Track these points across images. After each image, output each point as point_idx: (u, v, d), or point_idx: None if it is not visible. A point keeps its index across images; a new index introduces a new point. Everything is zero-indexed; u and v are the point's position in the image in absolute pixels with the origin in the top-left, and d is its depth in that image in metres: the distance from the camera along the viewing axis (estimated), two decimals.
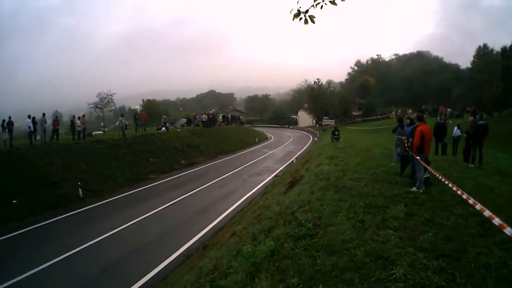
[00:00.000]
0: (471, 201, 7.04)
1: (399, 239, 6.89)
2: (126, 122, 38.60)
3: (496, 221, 5.67)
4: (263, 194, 20.78)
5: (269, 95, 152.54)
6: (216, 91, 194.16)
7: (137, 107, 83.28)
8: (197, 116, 57.09)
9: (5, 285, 11.81)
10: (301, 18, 6.05)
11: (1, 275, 12.39)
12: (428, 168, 10.77)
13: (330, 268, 6.02)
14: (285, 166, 32.31)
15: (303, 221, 8.57)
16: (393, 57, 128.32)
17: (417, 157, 10.88)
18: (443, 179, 9.46)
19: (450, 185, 8.72)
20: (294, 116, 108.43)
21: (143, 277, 11.80)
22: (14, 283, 11.95)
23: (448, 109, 51.47)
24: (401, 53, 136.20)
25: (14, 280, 12.09)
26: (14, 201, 20.19)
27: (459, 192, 7.94)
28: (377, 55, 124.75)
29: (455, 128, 22.39)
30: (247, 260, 7.26)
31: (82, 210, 20.69)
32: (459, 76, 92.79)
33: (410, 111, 51.12)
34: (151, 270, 12.29)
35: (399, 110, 58.11)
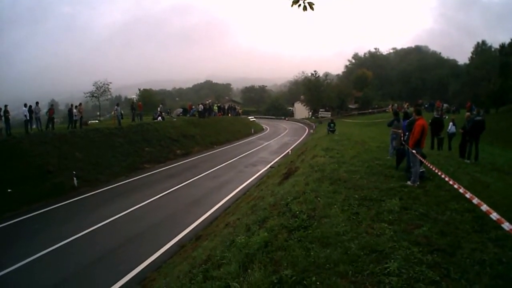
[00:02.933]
0: (468, 195, 7.00)
1: (393, 232, 6.87)
2: (122, 111, 38.43)
3: (494, 215, 5.62)
4: (258, 185, 20.80)
5: (266, 86, 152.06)
6: (213, 82, 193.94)
7: (134, 96, 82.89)
8: (193, 106, 56.77)
9: None
10: (300, 5, 5.99)
11: None
12: (424, 162, 10.75)
13: (324, 260, 5.99)
14: (281, 158, 32.41)
15: (297, 212, 8.53)
16: (391, 51, 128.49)
17: (413, 151, 10.84)
18: (439, 173, 9.42)
19: (446, 179, 8.70)
20: (290, 108, 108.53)
21: (137, 267, 11.83)
22: (8, 273, 11.97)
23: (445, 105, 51.72)
24: (399, 47, 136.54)
25: (8, 269, 12.11)
26: (9, 190, 20.11)
27: (455, 186, 7.93)
28: (375, 49, 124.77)
29: (450, 124, 22.42)
30: (241, 251, 7.22)
31: (77, 199, 20.64)
32: (457, 71, 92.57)
33: (406, 105, 51.08)
34: (145, 260, 12.32)
35: (396, 104, 58.07)
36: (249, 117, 78.90)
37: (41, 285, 11.17)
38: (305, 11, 5.97)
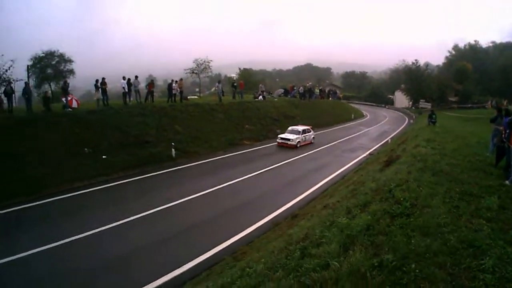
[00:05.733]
0: None
1: (491, 230, 7.03)
2: (223, 89, 39.92)
3: None
4: (357, 171, 21.23)
5: (366, 72, 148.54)
6: (313, 65, 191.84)
7: (233, 75, 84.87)
8: (294, 88, 57.75)
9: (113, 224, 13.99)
10: None
11: (107, 219, 14.42)
12: None
13: (424, 249, 6.33)
14: (380, 145, 32.50)
15: (401, 199, 8.85)
16: (490, 44, 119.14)
17: None
18: None
19: None
20: (390, 96, 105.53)
21: (229, 239, 13.03)
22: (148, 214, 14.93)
23: None
24: (498, 40, 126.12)
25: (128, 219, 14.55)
26: (103, 157, 22.29)
27: None
28: (475, 41, 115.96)
29: None
30: (342, 231, 7.72)
31: (174, 169, 22.60)
32: None
33: (506, 102, 48.02)
34: (238, 233, 13.50)
35: (494, 100, 54.68)
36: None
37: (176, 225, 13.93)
38: None
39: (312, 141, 33.71)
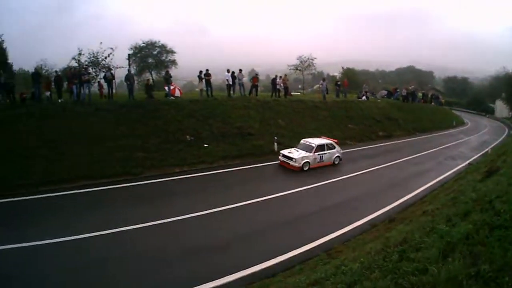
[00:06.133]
0: None
1: None
2: (328, 86, 40.35)
3: None
4: (457, 179, 20.69)
5: (468, 78, 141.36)
6: (416, 67, 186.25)
7: (336, 74, 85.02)
8: (397, 90, 56.95)
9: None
10: None
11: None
12: None
13: None
14: (480, 155, 31.04)
15: (501, 211, 8.63)
16: None
17: None
18: None
19: None
20: (491, 105, 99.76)
21: (324, 236, 13.51)
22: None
23: None
24: None
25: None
26: (205, 145, 23.95)
27: None
28: None
29: None
30: (442, 238, 7.86)
31: (275, 163, 23.61)
32: None
33: None
34: (333, 232, 13.94)
35: None
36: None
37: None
38: None
39: (336, 162, 24.75)
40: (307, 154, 23.15)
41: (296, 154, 22.94)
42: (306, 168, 22.74)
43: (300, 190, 18.48)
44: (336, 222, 14.73)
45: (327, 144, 24.31)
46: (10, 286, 9.86)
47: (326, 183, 20.00)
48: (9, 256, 11.22)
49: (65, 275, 10.26)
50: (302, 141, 24.66)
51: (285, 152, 23.54)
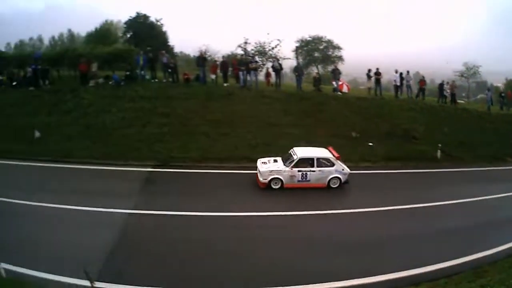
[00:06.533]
0: None
1: None
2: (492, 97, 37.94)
3: None
4: None
5: None
6: None
7: (500, 84, 79.43)
8: None
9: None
10: None
11: None
12: None
13: None
14: None
15: None
16: None
17: None
18: None
19: None
20: None
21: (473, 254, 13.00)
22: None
23: None
24: None
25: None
26: (370, 144, 24.19)
27: None
28: None
29: None
30: None
31: (437, 171, 23.11)
32: None
33: None
34: (485, 250, 13.31)
35: None
36: None
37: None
38: None
39: (333, 185, 18.24)
40: (281, 168, 17.87)
41: (265, 166, 18.10)
42: (276, 187, 17.72)
43: (456, 203, 17.94)
44: (487, 242, 14.03)
45: (319, 159, 18.13)
46: None
47: (476, 200, 18.86)
48: None
49: None
50: (290, 150, 19.00)
51: (261, 160, 18.88)
